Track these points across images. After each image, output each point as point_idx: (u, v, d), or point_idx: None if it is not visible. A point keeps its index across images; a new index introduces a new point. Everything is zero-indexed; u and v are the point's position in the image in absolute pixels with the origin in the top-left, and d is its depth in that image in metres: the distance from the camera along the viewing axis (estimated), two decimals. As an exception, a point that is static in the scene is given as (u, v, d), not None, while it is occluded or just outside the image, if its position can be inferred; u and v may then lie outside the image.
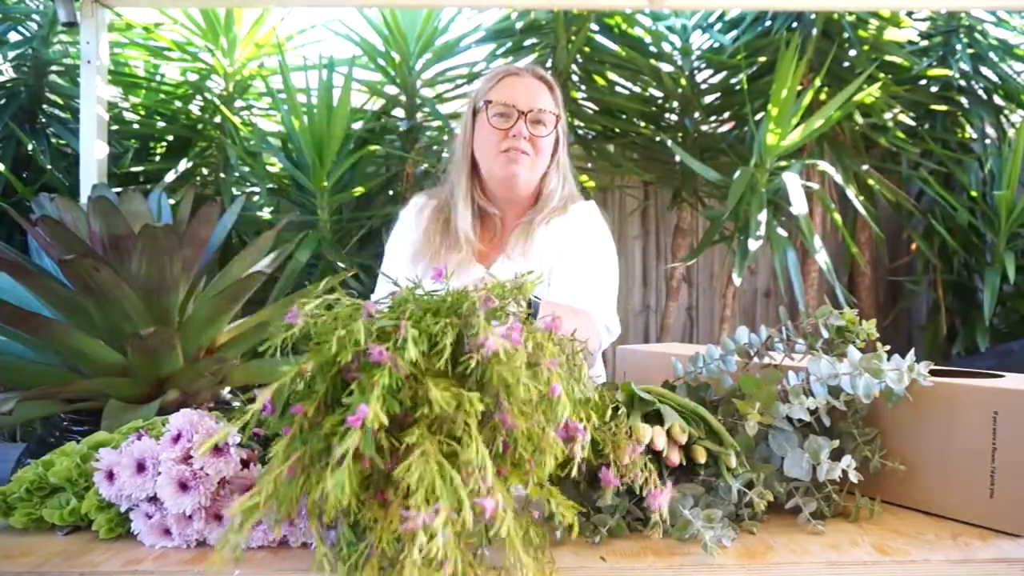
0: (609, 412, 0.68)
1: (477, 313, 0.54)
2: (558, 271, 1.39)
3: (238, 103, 3.00)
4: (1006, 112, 3.00)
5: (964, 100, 3.02)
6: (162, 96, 3.00)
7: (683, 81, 2.94)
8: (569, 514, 0.55)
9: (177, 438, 0.67)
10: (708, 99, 3.06)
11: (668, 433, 0.68)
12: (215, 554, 0.48)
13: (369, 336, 0.52)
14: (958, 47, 2.93)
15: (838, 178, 2.69)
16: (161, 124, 2.96)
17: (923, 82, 3.06)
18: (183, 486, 0.64)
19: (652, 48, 3.00)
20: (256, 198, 2.92)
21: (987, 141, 2.97)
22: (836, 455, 0.72)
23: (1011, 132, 2.90)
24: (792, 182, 2.48)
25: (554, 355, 0.56)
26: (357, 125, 2.91)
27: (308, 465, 0.51)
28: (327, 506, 0.47)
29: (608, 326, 1.39)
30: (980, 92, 3.00)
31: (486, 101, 1.37)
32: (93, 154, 2.16)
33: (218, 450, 0.65)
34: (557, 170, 1.44)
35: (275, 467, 0.50)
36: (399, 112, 3.01)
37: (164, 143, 3.02)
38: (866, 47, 2.88)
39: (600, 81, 3.05)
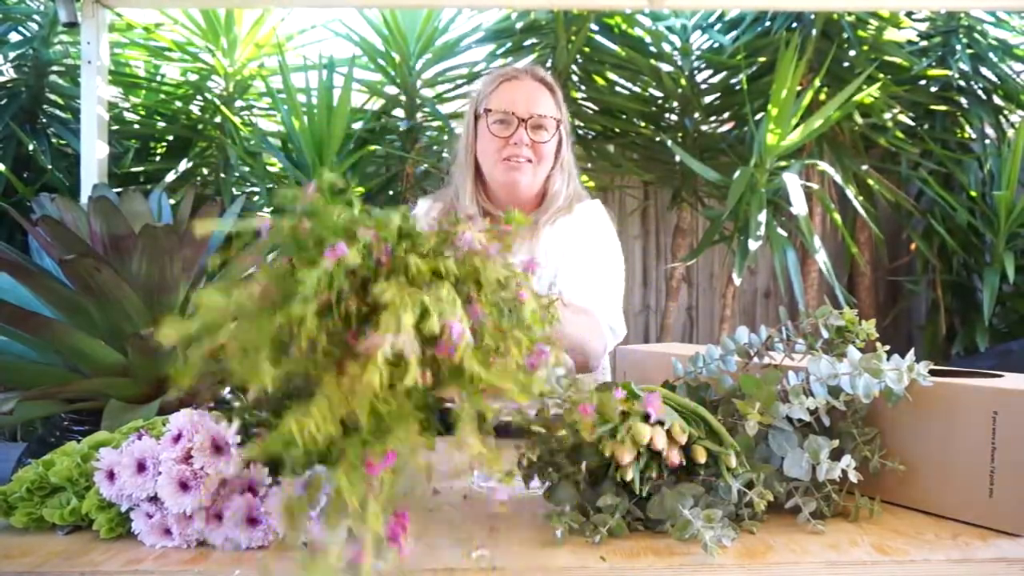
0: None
1: (464, 222, 0.57)
2: (564, 271, 1.39)
3: (238, 103, 3.00)
4: (1005, 112, 3.00)
5: (963, 100, 3.02)
6: (162, 96, 3.00)
7: (683, 81, 2.94)
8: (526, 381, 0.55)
9: (178, 438, 0.67)
10: (708, 99, 3.06)
11: (668, 433, 0.68)
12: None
13: (360, 220, 0.53)
14: (957, 47, 2.93)
15: (838, 178, 2.69)
16: (161, 124, 2.96)
17: (922, 82, 3.06)
18: (183, 486, 0.64)
19: (652, 48, 3.00)
20: (256, 198, 2.92)
21: (986, 141, 2.97)
22: (836, 455, 0.72)
23: (1010, 132, 2.90)
24: (792, 182, 2.48)
25: (526, 289, 0.58)
26: (357, 125, 2.91)
27: (278, 303, 0.50)
28: (298, 334, 0.47)
29: (613, 327, 1.38)
30: (979, 92, 3.01)
31: (486, 109, 1.36)
32: (94, 154, 2.16)
33: (218, 450, 0.65)
34: (561, 171, 1.43)
35: (246, 286, 0.51)
36: (399, 112, 3.01)
37: (164, 143, 3.02)
38: (866, 47, 2.89)
39: (600, 81, 3.05)
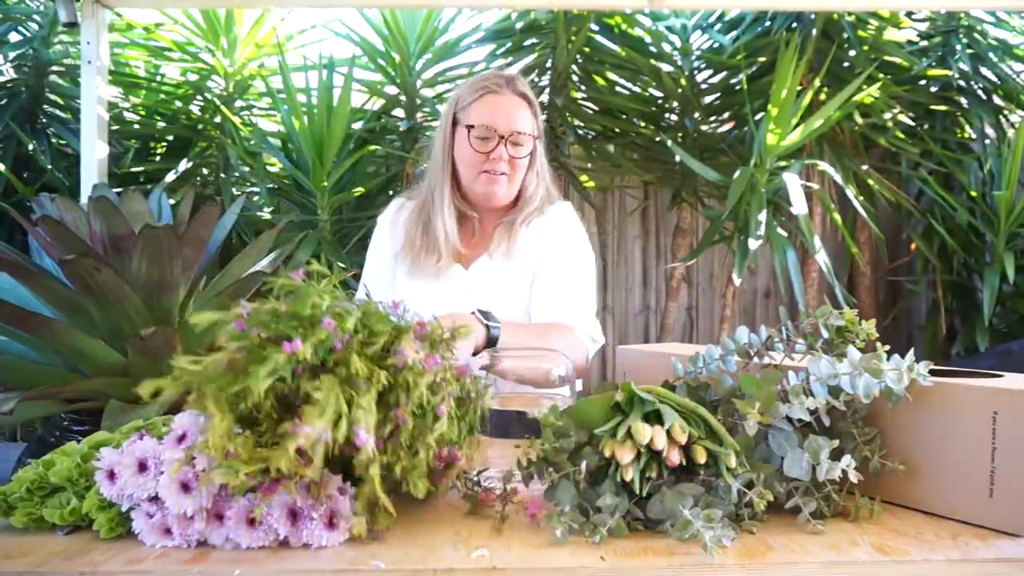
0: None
1: (408, 331, 0.67)
2: (540, 278, 1.42)
3: (238, 103, 3.00)
4: (1005, 112, 3.00)
5: (964, 100, 3.02)
6: (162, 96, 3.00)
7: (683, 81, 2.94)
8: (423, 486, 0.67)
9: (182, 438, 0.67)
10: (708, 99, 3.06)
11: (668, 433, 0.68)
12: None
13: (326, 311, 0.63)
14: (957, 47, 2.93)
15: (838, 178, 2.69)
16: (161, 124, 2.96)
17: (923, 82, 3.06)
18: (185, 487, 0.64)
19: (652, 48, 3.00)
20: (256, 198, 2.92)
21: (987, 141, 2.97)
22: (836, 455, 0.72)
23: (1010, 132, 2.90)
24: (792, 182, 2.48)
25: (454, 390, 0.69)
26: (357, 125, 2.91)
27: (242, 372, 0.59)
28: (245, 399, 0.58)
29: (593, 336, 1.43)
30: (979, 92, 3.01)
31: (468, 125, 1.39)
32: (93, 154, 2.16)
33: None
34: (536, 176, 1.47)
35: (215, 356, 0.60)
36: (399, 112, 3.01)
37: (164, 143, 3.02)
38: (866, 47, 2.89)
39: (600, 81, 3.05)
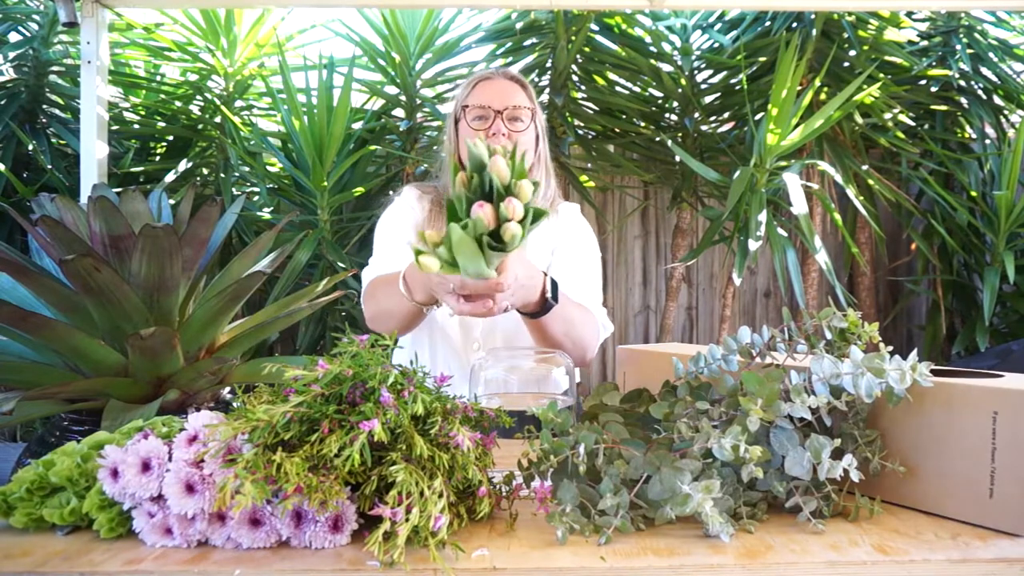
0: None
1: (455, 415, 0.73)
2: (556, 269, 1.44)
3: (238, 103, 3.00)
4: (1006, 112, 3.00)
5: (964, 100, 3.02)
6: (162, 96, 3.00)
7: (683, 81, 2.94)
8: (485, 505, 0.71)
9: (193, 439, 0.66)
10: (708, 99, 3.06)
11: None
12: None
13: (384, 380, 0.68)
14: (958, 47, 2.93)
15: (838, 178, 2.69)
16: (161, 124, 2.96)
17: (923, 82, 3.06)
18: (190, 488, 0.64)
19: (652, 48, 3.00)
20: (256, 198, 2.92)
21: (987, 141, 2.97)
22: (837, 455, 0.72)
23: (1011, 132, 2.90)
24: (792, 182, 2.48)
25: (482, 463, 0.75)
26: (357, 125, 2.91)
27: (327, 433, 0.65)
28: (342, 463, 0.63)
29: (604, 324, 1.45)
30: (980, 92, 3.01)
31: (463, 107, 1.42)
32: (93, 154, 2.15)
33: (232, 461, 0.65)
34: (540, 165, 1.49)
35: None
36: (399, 112, 3.01)
37: (164, 143, 3.02)
38: (866, 47, 2.89)
39: (600, 81, 3.05)
